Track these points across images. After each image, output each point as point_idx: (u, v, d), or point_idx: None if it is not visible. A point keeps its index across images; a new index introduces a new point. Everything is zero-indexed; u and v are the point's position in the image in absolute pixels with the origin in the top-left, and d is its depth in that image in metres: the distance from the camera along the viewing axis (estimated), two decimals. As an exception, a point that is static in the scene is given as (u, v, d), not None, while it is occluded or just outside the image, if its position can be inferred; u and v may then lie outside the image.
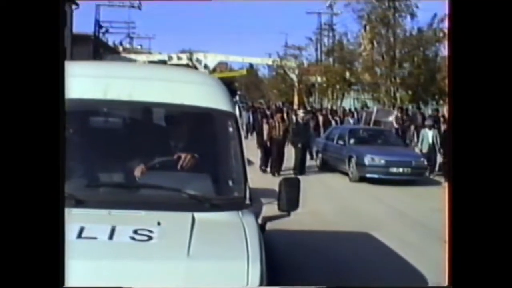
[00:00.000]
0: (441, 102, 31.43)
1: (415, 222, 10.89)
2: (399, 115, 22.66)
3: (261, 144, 17.12)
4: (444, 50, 31.29)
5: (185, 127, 4.15)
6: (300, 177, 5.06)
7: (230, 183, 3.86)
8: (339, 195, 13.83)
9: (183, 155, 3.83)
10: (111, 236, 3.06)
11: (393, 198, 13.40)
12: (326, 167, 17.84)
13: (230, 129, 4.01)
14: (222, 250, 3.17)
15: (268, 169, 16.56)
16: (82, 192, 3.47)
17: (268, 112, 29.03)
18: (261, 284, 2.96)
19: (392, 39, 30.95)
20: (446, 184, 15.28)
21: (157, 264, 2.96)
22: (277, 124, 16.89)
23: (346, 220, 10.61)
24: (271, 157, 16.58)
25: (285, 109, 31.23)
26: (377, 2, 30.89)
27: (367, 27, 32.29)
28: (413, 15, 30.37)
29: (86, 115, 4.13)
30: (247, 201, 3.68)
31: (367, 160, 15.33)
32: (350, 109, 32.99)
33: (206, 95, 4.03)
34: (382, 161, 15.26)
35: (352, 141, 17.04)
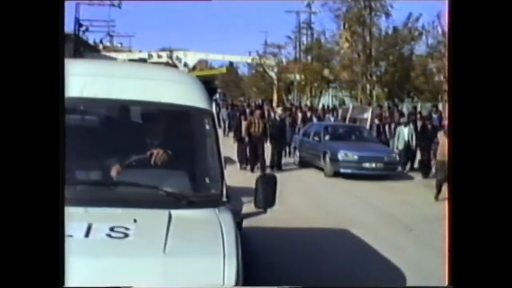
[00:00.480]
0: (416, 99, 32.17)
1: (385, 214, 11.38)
2: (380, 112, 22.87)
3: (238, 139, 17.12)
4: (419, 48, 32.17)
5: (163, 125, 4.16)
6: (276, 172, 5.20)
7: (207, 180, 3.90)
8: (314, 190, 14.25)
9: (155, 151, 3.85)
10: (87, 234, 3.07)
11: (366, 192, 13.88)
12: (303, 163, 18.25)
13: (207, 127, 4.05)
14: (198, 247, 3.19)
15: (248, 166, 16.64)
16: None
17: (247, 110, 29.32)
18: (237, 281, 2.98)
19: (368, 38, 31.53)
20: (421, 179, 15.88)
21: (133, 261, 2.98)
22: (256, 120, 16.85)
23: (320, 213, 10.99)
24: (250, 154, 16.54)
25: (266, 106, 31.50)
26: (353, 2, 31.48)
27: (346, 25, 32.81)
28: (388, 15, 30.96)
29: None
30: (224, 198, 3.72)
31: (340, 155, 15.79)
32: (329, 106, 33.43)
33: (183, 93, 4.06)
34: (355, 157, 15.75)
35: (327, 137, 17.52)
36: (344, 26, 33.14)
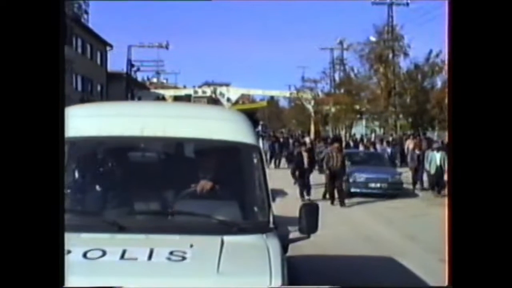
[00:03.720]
0: (437, 128, 35.19)
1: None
2: (418, 141, 24.06)
3: (300, 173, 17.60)
4: (438, 82, 35.29)
5: (214, 159, 4.40)
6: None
7: (255, 209, 4.18)
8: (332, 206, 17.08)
9: (200, 182, 4.24)
10: (150, 257, 3.37)
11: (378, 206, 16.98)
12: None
13: (255, 160, 4.32)
14: (248, 268, 3.48)
15: (306, 197, 16.99)
16: (123, 219, 3.84)
17: (291, 141, 31.31)
18: None
19: (389, 75, 34.98)
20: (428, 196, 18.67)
21: (190, 281, 3.26)
22: (334, 154, 17.06)
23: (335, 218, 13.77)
24: (329, 187, 16.99)
25: (307, 138, 32.42)
26: (375, 44, 35.08)
27: (373, 63, 36.27)
28: (406, 54, 34.69)
29: (125, 150, 4.56)
30: (271, 225, 3.98)
31: (351, 177, 18.58)
32: (389, 141, 33.96)
33: (233, 130, 4.37)
34: (362, 178, 18.62)
35: (347, 162, 19.93)
36: (372, 64, 36.62)
